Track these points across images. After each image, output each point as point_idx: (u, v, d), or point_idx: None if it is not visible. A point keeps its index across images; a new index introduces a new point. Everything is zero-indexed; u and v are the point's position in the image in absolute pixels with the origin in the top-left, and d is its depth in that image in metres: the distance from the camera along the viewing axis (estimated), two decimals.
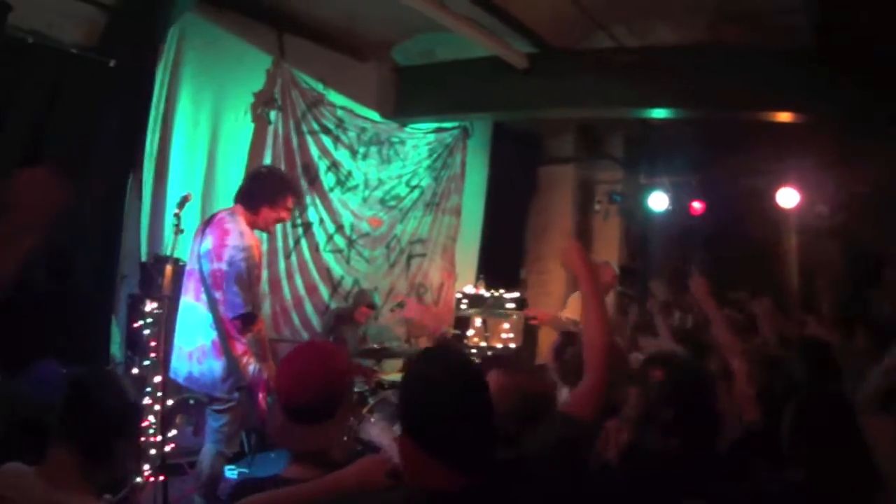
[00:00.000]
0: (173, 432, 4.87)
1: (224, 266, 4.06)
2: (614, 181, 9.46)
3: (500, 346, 8.32)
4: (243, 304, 4.05)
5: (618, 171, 9.53)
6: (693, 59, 6.05)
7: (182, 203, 4.10)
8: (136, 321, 4.89)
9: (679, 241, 8.73)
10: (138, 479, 4.29)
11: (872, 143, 6.10)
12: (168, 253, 4.02)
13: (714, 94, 5.93)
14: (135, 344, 4.92)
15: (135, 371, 4.77)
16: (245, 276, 4.06)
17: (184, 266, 4.31)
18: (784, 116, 5.82)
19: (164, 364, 4.20)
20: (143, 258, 5.41)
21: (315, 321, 7.01)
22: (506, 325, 8.50)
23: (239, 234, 4.10)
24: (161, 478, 4.10)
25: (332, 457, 2.29)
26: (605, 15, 6.13)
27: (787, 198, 6.95)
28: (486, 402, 1.84)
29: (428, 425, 1.78)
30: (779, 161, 6.85)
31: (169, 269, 3.90)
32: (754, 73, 5.67)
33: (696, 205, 8.22)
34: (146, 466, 4.44)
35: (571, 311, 7.17)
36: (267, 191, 4.29)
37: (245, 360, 4.12)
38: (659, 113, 6.51)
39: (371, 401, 6.01)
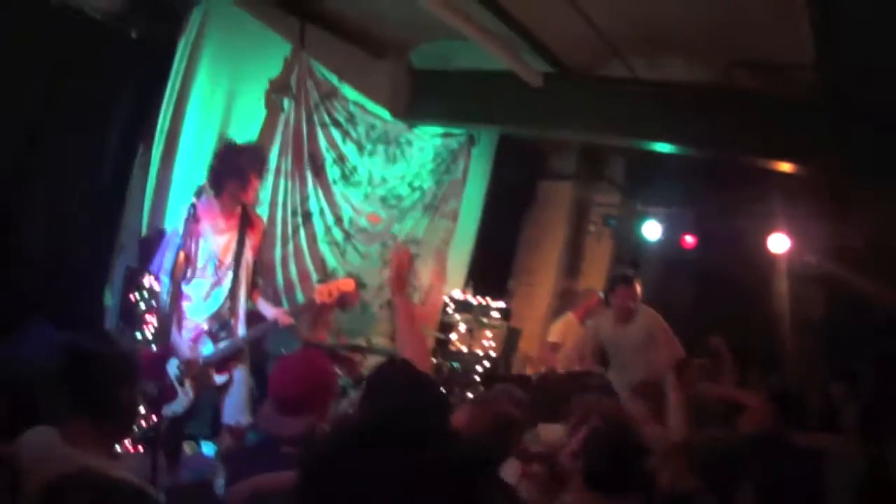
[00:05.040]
0: None
1: None
2: (611, 204, 9.58)
3: (480, 352, 8.42)
4: None
5: (616, 194, 9.66)
6: (704, 100, 6.15)
7: (199, 193, 4.21)
8: (131, 293, 4.97)
9: (668, 272, 8.84)
10: None
11: (870, 202, 6.23)
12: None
13: (721, 136, 6.04)
14: (128, 316, 4.99)
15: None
16: None
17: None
18: (786, 166, 5.94)
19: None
20: (144, 230, 5.47)
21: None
22: (488, 333, 8.60)
23: None
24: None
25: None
26: (625, 45, 6.22)
27: (778, 243, 7.07)
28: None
29: None
30: (774, 205, 6.97)
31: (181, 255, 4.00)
32: (763, 120, 5.79)
33: (689, 238, 8.33)
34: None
35: (555, 336, 7.35)
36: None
37: None
38: (663, 147, 6.61)
39: (352, 394, 6.08)
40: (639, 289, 5.80)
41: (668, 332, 5.73)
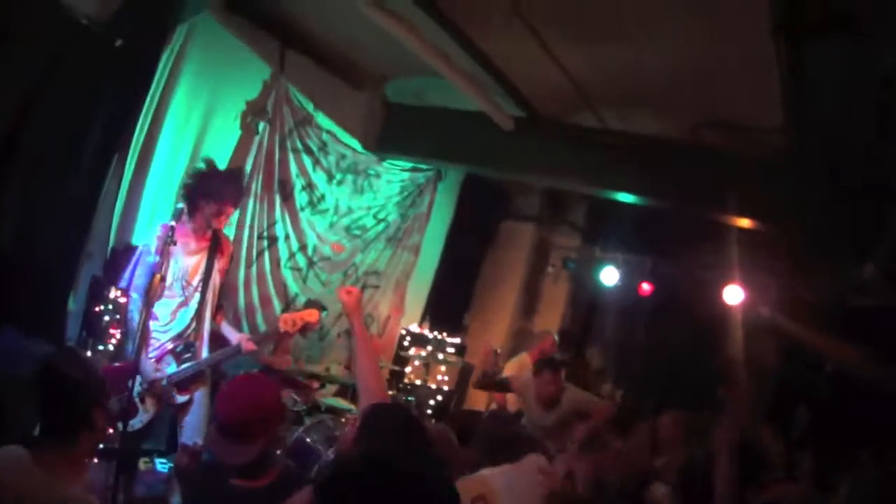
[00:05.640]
0: None
1: None
2: (570, 247, 9.75)
3: (434, 386, 8.45)
4: None
5: (576, 238, 9.84)
6: (671, 154, 6.37)
7: (178, 216, 4.22)
8: (97, 305, 4.91)
9: (624, 318, 9.02)
10: None
11: (823, 261, 6.49)
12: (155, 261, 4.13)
13: (685, 191, 6.25)
14: (92, 327, 4.93)
15: (88, 354, 4.77)
16: None
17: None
18: (745, 222, 6.16)
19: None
20: (112, 241, 5.42)
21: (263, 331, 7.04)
22: (443, 368, 8.64)
23: None
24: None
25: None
26: (597, 96, 6.39)
27: (733, 295, 7.27)
28: None
29: None
30: (730, 257, 7.19)
31: (157, 277, 4.01)
32: (727, 177, 6.01)
33: (646, 286, 8.53)
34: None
35: (509, 372, 7.40)
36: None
37: None
38: (628, 198, 6.79)
39: (307, 421, 6.04)
40: (563, 375, 5.94)
41: (595, 405, 5.91)
